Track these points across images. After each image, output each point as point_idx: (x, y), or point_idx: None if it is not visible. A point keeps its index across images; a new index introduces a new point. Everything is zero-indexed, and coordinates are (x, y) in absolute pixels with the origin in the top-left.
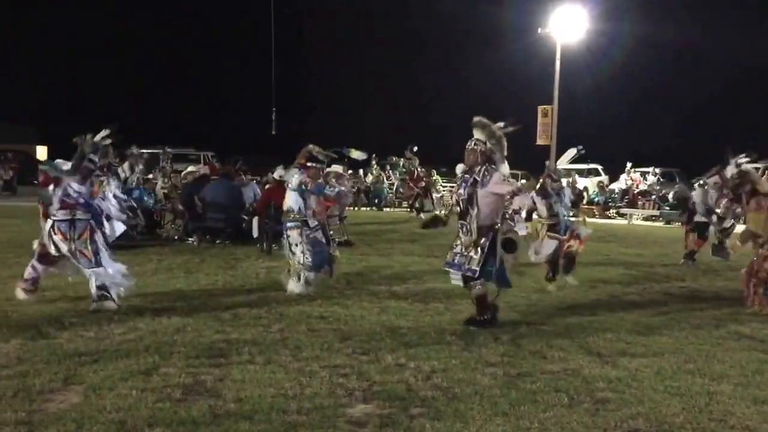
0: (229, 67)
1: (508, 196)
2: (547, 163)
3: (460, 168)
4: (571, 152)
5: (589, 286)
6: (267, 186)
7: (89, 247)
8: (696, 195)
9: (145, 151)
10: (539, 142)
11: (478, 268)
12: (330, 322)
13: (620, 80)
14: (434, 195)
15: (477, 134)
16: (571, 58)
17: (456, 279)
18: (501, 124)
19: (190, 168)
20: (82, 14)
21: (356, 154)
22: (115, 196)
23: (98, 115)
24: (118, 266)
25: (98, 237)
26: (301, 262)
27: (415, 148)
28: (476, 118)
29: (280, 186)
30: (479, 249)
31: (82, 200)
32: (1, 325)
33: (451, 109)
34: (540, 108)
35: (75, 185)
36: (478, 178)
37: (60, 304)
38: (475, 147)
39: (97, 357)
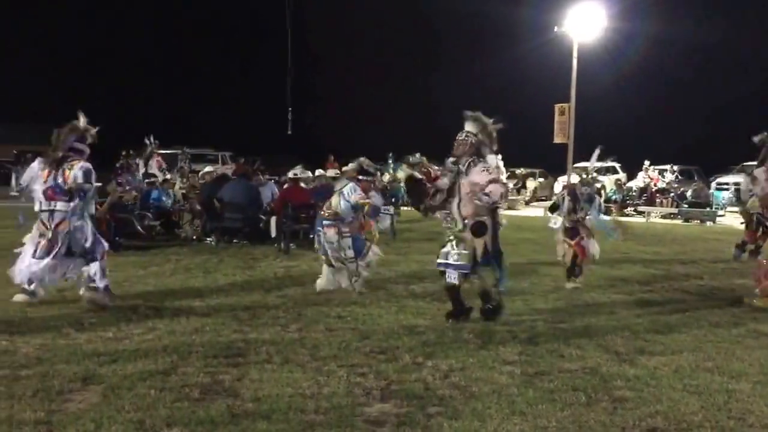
0: (246, 68)
1: (485, 184)
2: (587, 165)
3: (449, 161)
4: (596, 153)
5: (607, 285)
6: (284, 186)
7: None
8: (743, 183)
9: (163, 151)
10: (556, 140)
11: (470, 264)
12: (348, 321)
13: (638, 78)
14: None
15: (468, 126)
16: (588, 56)
17: (453, 278)
18: (492, 120)
19: (208, 168)
20: (104, 15)
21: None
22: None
23: (118, 115)
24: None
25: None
26: (345, 255)
27: (418, 154)
28: (468, 112)
29: (297, 185)
30: (465, 243)
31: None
32: (21, 325)
33: (466, 107)
34: (557, 106)
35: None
36: (462, 169)
37: (79, 305)
38: (466, 138)
39: (116, 357)
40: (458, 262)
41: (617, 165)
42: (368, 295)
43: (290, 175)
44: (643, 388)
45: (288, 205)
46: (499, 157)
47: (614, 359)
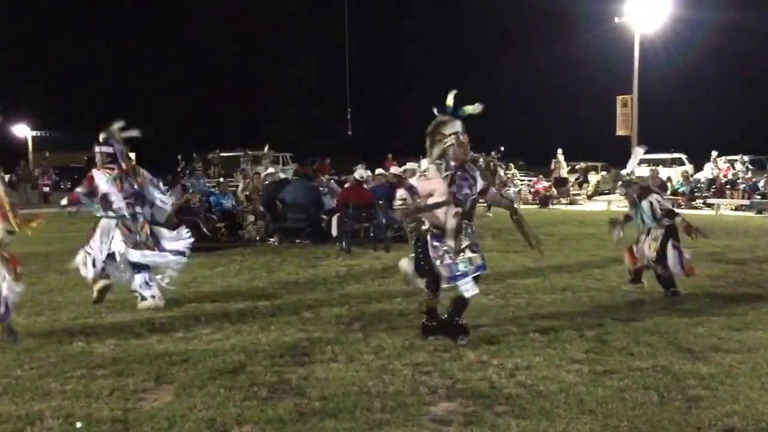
0: (306, 70)
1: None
2: (614, 171)
3: (426, 163)
4: (639, 152)
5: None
6: (346, 185)
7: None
8: None
9: (226, 154)
10: (619, 132)
11: (485, 262)
12: (410, 319)
13: (703, 68)
14: (511, 189)
15: (458, 127)
16: (650, 46)
17: (470, 287)
18: (478, 105)
19: (271, 170)
20: (161, 22)
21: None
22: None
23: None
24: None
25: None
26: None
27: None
28: (441, 116)
29: (359, 186)
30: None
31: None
32: (96, 327)
33: (527, 99)
34: (619, 98)
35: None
36: (474, 174)
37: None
38: (463, 140)
39: (187, 357)
40: (468, 265)
41: (683, 156)
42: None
43: (356, 176)
44: (718, 387)
45: (349, 204)
46: (560, 152)
47: (687, 357)
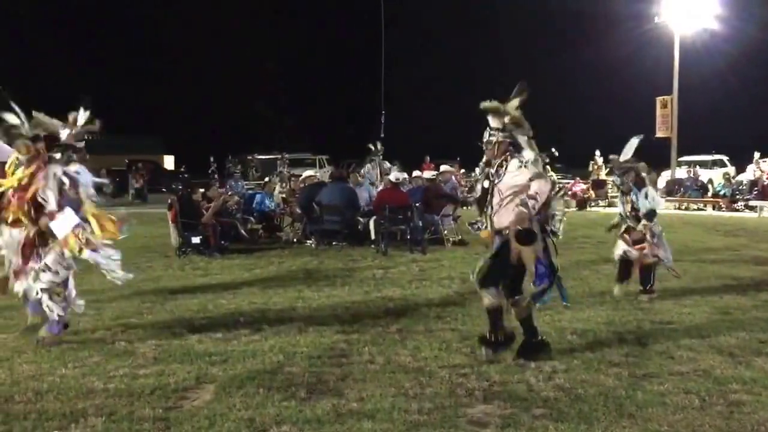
0: (340, 70)
1: (527, 184)
2: (612, 157)
3: (393, 175)
4: (634, 142)
5: (718, 283)
6: (382, 188)
7: None
8: None
9: (263, 156)
10: (659, 134)
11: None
12: (447, 321)
13: (744, 68)
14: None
15: (492, 122)
16: (690, 46)
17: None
18: (514, 95)
19: (308, 172)
20: (198, 28)
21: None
22: None
23: (217, 123)
24: None
25: None
26: None
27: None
28: (484, 104)
29: (395, 188)
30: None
31: None
32: (138, 326)
33: (564, 99)
34: (659, 99)
35: None
36: (493, 171)
37: (188, 306)
38: (491, 138)
39: (226, 357)
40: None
41: (725, 158)
42: (467, 296)
43: (392, 178)
44: (761, 392)
45: (385, 206)
46: (598, 153)
47: (729, 361)
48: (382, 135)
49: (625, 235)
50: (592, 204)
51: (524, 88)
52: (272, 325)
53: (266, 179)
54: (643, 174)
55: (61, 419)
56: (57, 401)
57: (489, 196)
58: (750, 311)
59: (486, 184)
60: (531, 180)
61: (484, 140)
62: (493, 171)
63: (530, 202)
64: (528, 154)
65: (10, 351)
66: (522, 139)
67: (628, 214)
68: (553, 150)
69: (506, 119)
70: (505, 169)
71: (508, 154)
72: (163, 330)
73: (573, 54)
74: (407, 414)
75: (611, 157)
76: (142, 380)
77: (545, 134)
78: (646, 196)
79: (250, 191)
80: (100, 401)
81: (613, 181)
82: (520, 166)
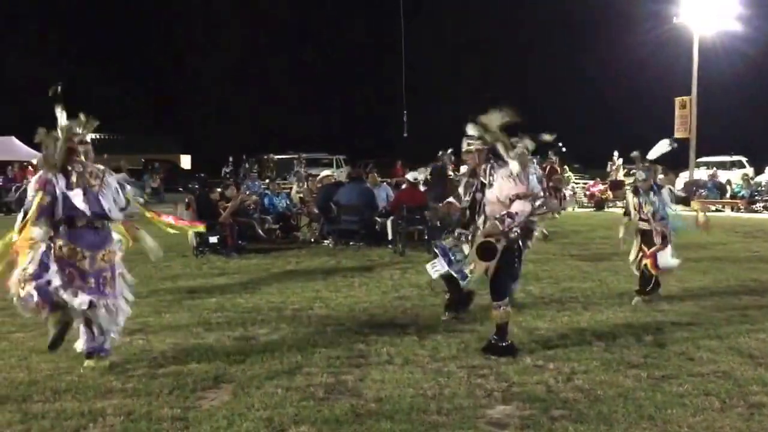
0: (362, 71)
1: (508, 202)
2: (633, 154)
3: (411, 175)
4: (663, 144)
5: (737, 285)
6: (401, 188)
7: None
8: None
9: (280, 156)
10: (677, 135)
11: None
12: (466, 322)
13: (763, 68)
14: (566, 192)
15: (470, 130)
16: (709, 47)
17: (438, 268)
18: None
19: (326, 172)
20: (215, 28)
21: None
22: None
23: (234, 124)
24: None
25: None
26: None
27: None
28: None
29: (414, 188)
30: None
31: None
32: (156, 326)
33: (582, 100)
34: (677, 100)
35: None
36: (485, 180)
37: (206, 305)
38: (470, 147)
39: (244, 357)
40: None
41: (744, 159)
42: (486, 297)
43: (410, 178)
44: None
45: (403, 207)
46: (616, 154)
47: (749, 363)
48: (405, 134)
49: (644, 246)
50: (610, 205)
51: (508, 118)
52: (290, 325)
53: (266, 179)
54: (661, 175)
55: (80, 418)
56: (75, 400)
57: (479, 206)
58: None
59: (478, 196)
60: (517, 197)
61: (463, 149)
62: (482, 181)
63: (507, 220)
64: (515, 167)
65: (28, 350)
66: (500, 147)
67: (638, 213)
68: (561, 145)
69: (486, 131)
70: (493, 179)
71: (492, 161)
72: (180, 329)
73: (592, 54)
74: (426, 414)
75: (633, 154)
76: (160, 379)
77: (563, 135)
78: (671, 192)
79: (266, 190)
80: (119, 400)
81: (636, 177)
82: (509, 177)
